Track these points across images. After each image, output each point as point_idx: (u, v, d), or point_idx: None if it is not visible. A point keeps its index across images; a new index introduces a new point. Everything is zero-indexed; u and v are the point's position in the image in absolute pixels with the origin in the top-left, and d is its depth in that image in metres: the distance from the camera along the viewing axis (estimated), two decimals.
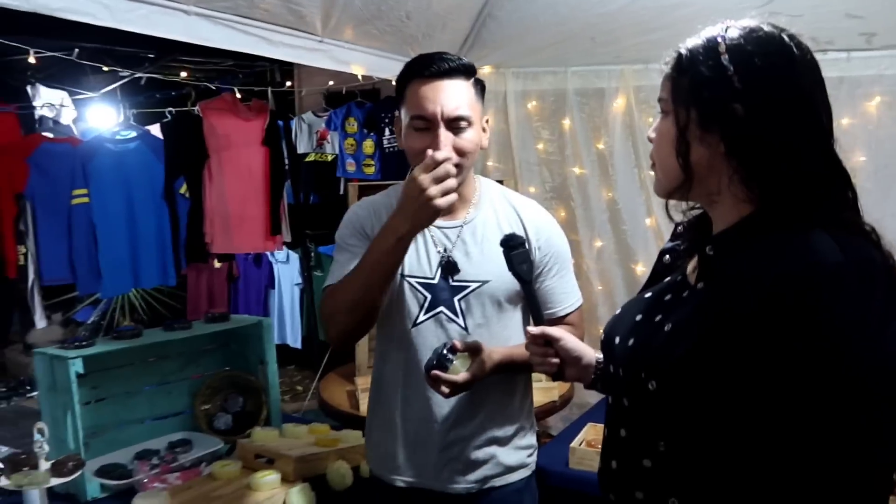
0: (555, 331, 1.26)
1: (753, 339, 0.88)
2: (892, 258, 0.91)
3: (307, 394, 4.25)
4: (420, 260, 1.50)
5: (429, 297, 1.48)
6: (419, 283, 1.49)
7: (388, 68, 2.87)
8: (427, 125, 1.42)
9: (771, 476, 0.91)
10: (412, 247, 1.50)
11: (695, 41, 0.99)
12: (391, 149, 4.48)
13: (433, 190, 1.28)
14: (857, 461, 0.86)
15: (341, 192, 4.79)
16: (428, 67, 1.41)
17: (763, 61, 0.93)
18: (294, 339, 5.10)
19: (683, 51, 0.99)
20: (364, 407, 2.31)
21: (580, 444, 1.99)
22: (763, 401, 0.89)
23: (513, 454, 1.56)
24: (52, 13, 1.79)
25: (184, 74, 3.75)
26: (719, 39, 0.96)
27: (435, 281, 1.49)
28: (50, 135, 3.12)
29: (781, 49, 0.93)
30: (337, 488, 1.78)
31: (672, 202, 1.09)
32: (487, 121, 1.49)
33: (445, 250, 1.50)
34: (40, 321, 2.84)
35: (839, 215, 0.92)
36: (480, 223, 1.51)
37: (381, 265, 1.37)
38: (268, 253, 4.76)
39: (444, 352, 1.36)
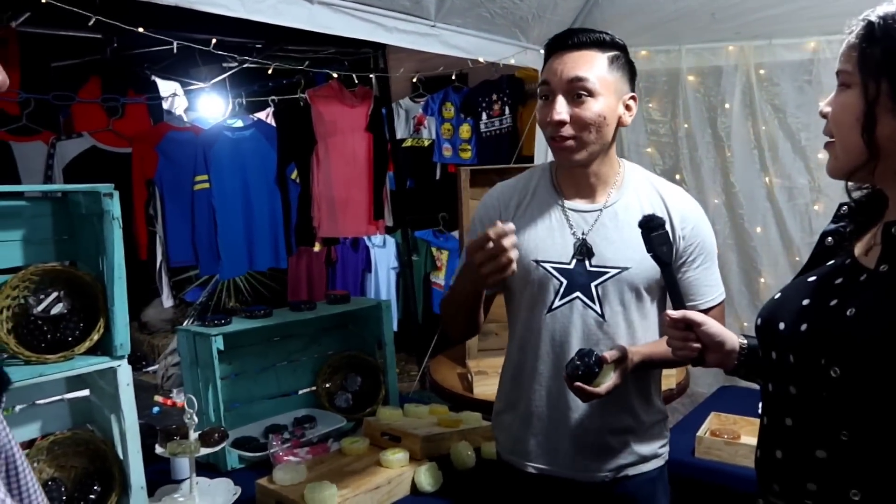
0: (696, 315, 1.22)
1: None
2: None
3: (413, 375, 4.32)
4: (555, 244, 1.48)
5: (565, 282, 1.46)
6: (554, 268, 1.47)
7: (497, 52, 2.86)
8: (549, 92, 1.41)
9: None
10: (545, 230, 1.49)
11: (887, 8, 0.93)
12: (488, 133, 4.48)
13: (485, 269, 1.28)
14: None
15: (437, 177, 4.84)
16: (562, 40, 1.41)
17: None
18: None
19: (875, 18, 0.93)
20: (478, 389, 2.34)
21: (706, 434, 1.94)
22: None
23: (647, 444, 1.53)
24: (192, 6, 1.86)
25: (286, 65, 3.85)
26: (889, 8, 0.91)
27: (570, 266, 1.47)
28: (176, 124, 3.28)
29: None
30: (460, 469, 1.81)
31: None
32: (634, 98, 1.45)
33: (582, 234, 1.48)
34: (167, 300, 3.00)
35: None
36: (622, 207, 1.48)
37: (464, 304, 1.47)
38: (365, 237, 4.86)
39: (592, 362, 1.34)
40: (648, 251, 1.30)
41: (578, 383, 1.32)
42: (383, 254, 5.18)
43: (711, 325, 1.21)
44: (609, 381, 1.34)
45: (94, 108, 2.81)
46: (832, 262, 1.09)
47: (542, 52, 2.67)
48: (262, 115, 3.82)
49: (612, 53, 1.41)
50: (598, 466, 1.49)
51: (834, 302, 1.00)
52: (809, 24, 2.48)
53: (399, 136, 4.76)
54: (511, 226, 1.27)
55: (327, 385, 2.24)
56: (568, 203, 1.50)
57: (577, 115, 1.38)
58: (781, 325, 1.06)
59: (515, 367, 1.56)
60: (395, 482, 1.67)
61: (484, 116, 4.47)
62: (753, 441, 1.88)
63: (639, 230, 1.35)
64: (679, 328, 1.22)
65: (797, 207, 2.67)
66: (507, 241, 1.26)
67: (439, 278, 4.88)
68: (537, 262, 1.48)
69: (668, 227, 1.44)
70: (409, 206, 4.33)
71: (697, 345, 1.21)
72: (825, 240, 1.14)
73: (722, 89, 2.78)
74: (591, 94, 1.38)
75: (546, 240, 1.48)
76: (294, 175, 3.34)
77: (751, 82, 2.70)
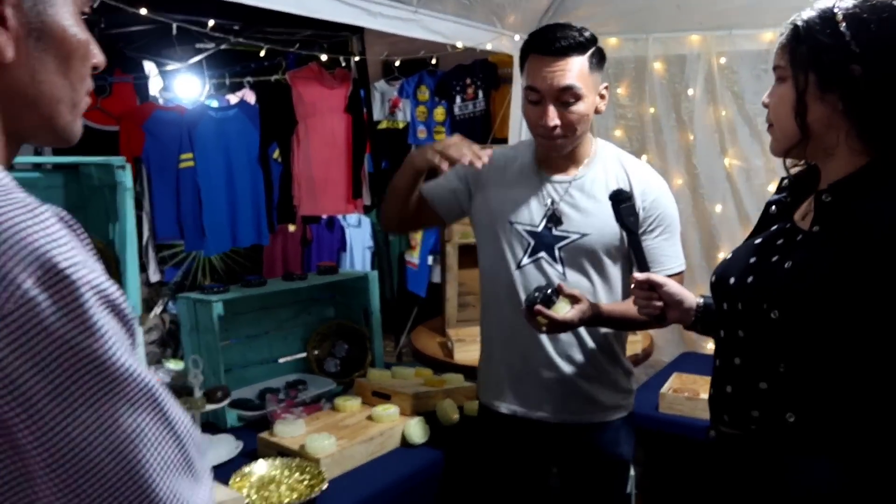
0: (658, 277, 1.39)
1: (876, 273, 1.00)
2: None
3: (391, 351, 4.45)
4: (530, 209, 1.65)
5: (532, 242, 1.64)
6: (524, 230, 1.64)
7: (474, 37, 2.99)
8: (538, 98, 1.56)
9: (884, 391, 1.04)
10: (522, 196, 1.66)
11: (809, 13, 1.10)
12: (462, 116, 4.61)
13: (431, 154, 1.53)
14: None
15: None
16: (546, 44, 1.54)
17: (878, 27, 1.04)
18: None
19: (800, 22, 1.11)
20: (458, 355, 2.50)
21: (669, 391, 2.13)
22: (882, 326, 1.01)
23: (612, 395, 1.70)
24: None
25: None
26: (836, 10, 1.07)
27: (539, 229, 1.63)
28: (161, 102, 3.34)
29: (879, 5, 1.04)
30: (445, 423, 1.96)
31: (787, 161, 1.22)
32: (607, 87, 1.61)
33: (552, 202, 1.64)
34: (154, 275, 3.08)
35: None
36: (589, 181, 1.64)
37: (404, 178, 1.67)
38: (339, 217, 4.95)
39: (549, 292, 1.49)
40: (617, 220, 1.47)
41: (539, 307, 1.47)
42: (358, 233, 5.29)
43: (672, 285, 1.38)
44: (566, 311, 1.49)
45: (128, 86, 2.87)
46: (775, 226, 1.26)
47: (517, 38, 2.80)
48: (238, 95, 3.89)
49: (590, 53, 1.55)
50: (565, 411, 1.66)
51: (775, 258, 1.17)
52: (766, 16, 2.65)
53: (375, 118, 4.87)
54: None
55: (316, 352, 2.37)
56: (545, 175, 1.66)
57: (567, 118, 1.54)
58: (731, 280, 1.24)
59: (489, 319, 1.72)
60: (387, 434, 1.81)
61: (458, 99, 4.60)
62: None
63: (605, 202, 1.52)
64: (643, 288, 1.38)
65: (753, 187, 2.86)
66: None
67: (413, 257, 5.02)
68: (511, 222, 1.64)
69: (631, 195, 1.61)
70: (384, 187, 4.44)
71: (660, 303, 1.37)
72: (769, 208, 1.31)
73: (686, 76, 2.95)
74: (578, 98, 1.53)
75: (521, 204, 1.65)
76: (276, 154, 3.43)
77: (712, 70, 2.87)
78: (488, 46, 3.11)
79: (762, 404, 1.15)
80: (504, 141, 3.66)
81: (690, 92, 2.95)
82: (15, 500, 0.50)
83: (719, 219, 2.94)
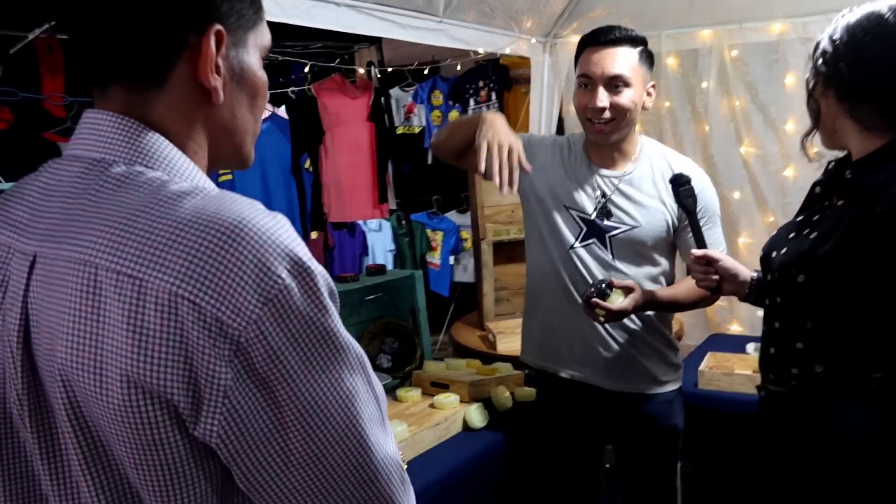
0: (715, 253, 1.54)
1: (882, 236, 1.16)
2: None
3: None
4: (583, 198, 1.78)
5: (584, 228, 1.77)
6: (579, 216, 1.78)
7: (494, 43, 3.12)
8: (589, 83, 1.69)
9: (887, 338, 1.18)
10: (577, 184, 1.79)
11: (824, 34, 1.28)
12: None
13: (489, 148, 1.54)
14: None
15: (429, 161, 5.08)
16: (598, 36, 1.69)
17: (863, 33, 1.21)
18: None
19: (819, 40, 1.29)
20: (501, 346, 2.63)
21: (707, 368, 2.26)
22: (886, 285, 1.16)
23: (663, 370, 1.84)
24: None
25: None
26: (835, 25, 1.26)
27: (591, 217, 1.77)
28: None
29: (876, 24, 1.20)
30: (500, 409, 2.09)
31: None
32: (654, 86, 1.74)
33: (604, 195, 1.77)
34: None
35: None
36: (637, 176, 1.77)
37: (465, 133, 1.71)
38: (360, 222, 5.09)
39: (603, 286, 1.64)
40: (677, 202, 1.61)
41: (595, 299, 1.61)
42: (379, 237, 5.41)
43: (727, 260, 1.52)
44: (619, 301, 1.63)
45: None
46: (817, 206, 1.40)
47: (533, 41, 2.94)
48: (269, 109, 4.02)
49: (640, 48, 1.70)
50: (622, 381, 1.79)
51: (806, 231, 1.33)
52: (775, 9, 2.79)
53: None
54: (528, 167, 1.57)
55: (368, 349, 2.50)
56: (595, 168, 1.80)
57: (616, 102, 1.67)
58: (774, 254, 1.39)
59: (543, 290, 1.85)
60: (451, 420, 1.95)
61: (472, 102, 4.73)
62: (747, 372, 2.21)
63: (653, 196, 1.66)
64: (701, 264, 1.53)
65: (770, 173, 2.99)
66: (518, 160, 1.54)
67: (434, 258, 5.15)
68: (566, 207, 1.78)
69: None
70: (407, 191, 4.58)
71: (716, 277, 1.52)
72: (814, 189, 1.45)
73: (699, 70, 3.08)
74: (627, 84, 1.67)
75: (576, 193, 1.78)
76: (307, 164, 3.57)
77: (725, 63, 3.00)
78: (507, 51, 3.25)
79: (799, 362, 1.30)
80: None
81: (704, 85, 3.08)
82: (272, 449, 0.63)
83: (738, 205, 3.07)
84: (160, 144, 0.69)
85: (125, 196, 0.64)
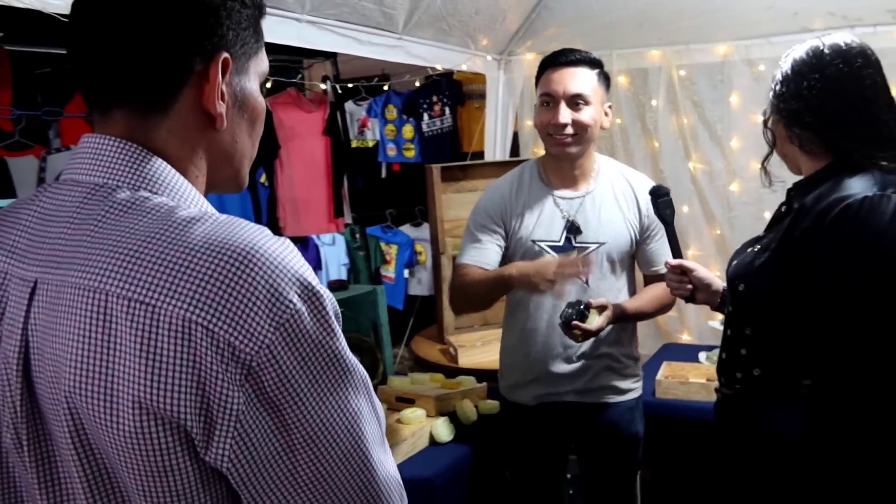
0: (689, 263, 1.61)
1: (804, 250, 1.25)
2: None
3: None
4: (549, 227, 1.82)
5: (557, 255, 1.81)
6: (548, 246, 1.82)
7: (451, 59, 3.17)
8: (551, 101, 1.75)
9: (821, 344, 1.27)
10: (540, 215, 1.83)
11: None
12: (430, 132, 4.77)
13: (546, 284, 1.62)
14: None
15: (383, 175, 5.09)
16: (559, 58, 1.75)
17: (804, 66, 1.32)
18: None
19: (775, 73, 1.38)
20: (463, 359, 2.65)
21: (664, 377, 2.33)
22: (812, 294, 1.25)
23: (625, 380, 1.90)
24: None
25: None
26: (785, 59, 1.36)
27: (560, 243, 1.82)
28: None
29: (814, 59, 1.31)
30: (466, 422, 2.11)
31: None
32: (611, 106, 1.80)
33: (569, 218, 1.83)
34: None
35: (890, 163, 1.26)
36: (599, 194, 1.83)
37: (498, 292, 1.80)
38: (313, 237, 5.06)
39: (582, 307, 1.69)
40: (655, 213, 1.68)
41: (576, 322, 1.66)
42: (333, 251, 5.37)
43: (701, 270, 1.59)
44: (597, 321, 1.69)
45: (81, 122, 2.92)
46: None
47: (489, 58, 3.01)
48: None
49: (598, 70, 1.76)
50: (588, 394, 1.85)
51: (756, 245, 1.42)
52: (720, 31, 2.91)
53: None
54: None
55: None
56: (556, 192, 1.84)
57: (577, 119, 1.72)
58: (728, 266, 1.47)
59: (518, 325, 1.89)
60: (418, 435, 1.96)
61: (425, 117, 4.76)
62: (701, 381, 2.29)
63: (615, 213, 1.72)
64: (676, 273, 1.59)
65: (717, 188, 3.11)
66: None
67: (389, 271, 5.14)
68: (534, 241, 1.81)
69: (635, 207, 1.81)
70: (359, 204, 4.58)
71: (690, 286, 1.58)
72: (781, 207, 1.53)
73: (648, 88, 3.19)
74: (587, 102, 1.72)
75: (541, 223, 1.82)
76: (263, 179, 3.53)
77: (673, 82, 3.12)
78: (463, 67, 3.30)
79: (742, 366, 1.39)
80: (478, 155, 3.83)
81: (654, 102, 3.19)
82: (280, 471, 0.64)
83: (687, 219, 3.18)
84: (164, 170, 0.69)
85: (133, 222, 0.64)
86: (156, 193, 0.68)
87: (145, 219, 0.64)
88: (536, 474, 1.97)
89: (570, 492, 2.27)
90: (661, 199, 1.67)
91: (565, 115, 1.73)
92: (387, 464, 0.72)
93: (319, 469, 0.65)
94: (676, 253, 1.65)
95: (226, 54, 0.70)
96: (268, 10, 0.80)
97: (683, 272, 1.60)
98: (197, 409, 0.59)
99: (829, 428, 1.26)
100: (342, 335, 0.68)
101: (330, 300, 0.67)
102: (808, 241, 1.24)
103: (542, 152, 1.89)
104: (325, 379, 0.65)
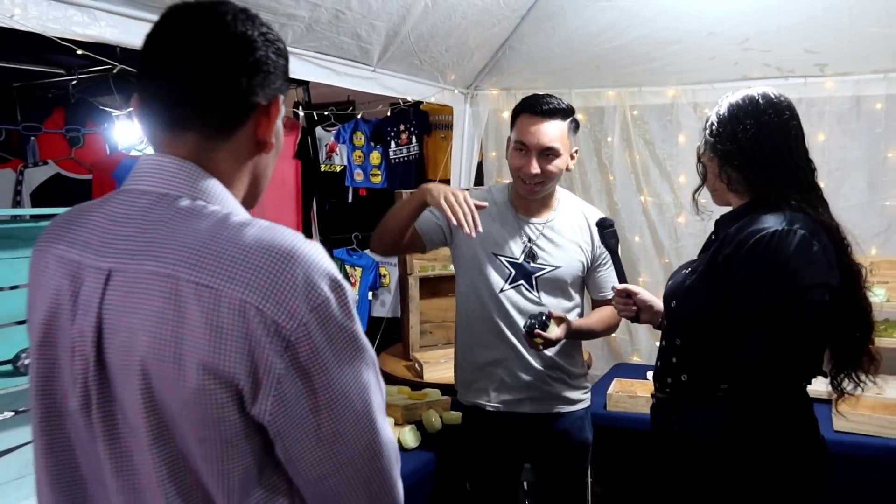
0: (634, 287, 1.79)
1: (723, 274, 1.44)
2: (832, 228, 1.45)
3: None
4: (511, 244, 2.00)
5: (513, 272, 1.99)
6: (507, 261, 1.99)
7: (421, 92, 3.36)
8: (524, 149, 1.93)
9: (730, 356, 1.45)
10: (505, 232, 2.01)
11: (713, 109, 1.58)
12: (397, 159, 4.95)
13: (448, 203, 1.74)
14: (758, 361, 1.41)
15: (349, 199, 5.23)
16: (535, 106, 1.92)
17: (739, 111, 1.51)
18: None
19: (709, 114, 1.58)
20: (428, 375, 2.80)
21: (614, 392, 2.51)
22: (731, 308, 1.43)
23: (575, 391, 2.07)
24: None
25: None
26: (722, 103, 1.55)
27: (520, 260, 1.99)
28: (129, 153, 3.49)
29: (749, 106, 1.50)
30: (431, 431, 2.25)
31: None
32: (577, 151, 2.00)
33: (530, 240, 2.01)
34: None
35: (799, 203, 1.45)
36: (558, 224, 2.03)
37: (405, 215, 1.91)
38: None
39: (544, 318, 1.86)
40: (602, 243, 1.86)
41: (538, 330, 1.83)
42: None
43: (644, 294, 1.77)
44: (556, 331, 1.86)
45: (58, 137, 3.00)
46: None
47: (457, 91, 3.21)
48: None
49: (570, 119, 1.95)
50: (541, 404, 2.01)
51: (688, 269, 1.61)
52: (670, 76, 3.17)
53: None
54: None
55: None
56: (521, 216, 2.03)
57: (546, 169, 1.91)
58: (665, 287, 1.66)
59: (473, 332, 2.04)
60: None
61: (392, 144, 4.94)
62: (647, 395, 2.48)
63: (572, 241, 1.91)
64: (622, 296, 1.77)
65: (665, 220, 3.35)
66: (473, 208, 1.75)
67: (353, 293, 5.26)
68: (494, 254, 1.99)
69: (589, 237, 2.00)
70: (326, 227, 4.71)
71: (635, 307, 1.77)
72: (711, 236, 1.73)
73: (605, 126, 3.43)
74: (556, 154, 1.91)
75: (504, 239, 2.00)
76: None
77: (627, 121, 3.36)
78: (432, 99, 3.50)
79: (672, 372, 1.58)
80: (444, 182, 4.01)
81: (609, 139, 3.43)
82: (307, 428, 0.79)
83: (638, 247, 3.42)
84: (215, 185, 0.85)
85: (196, 224, 0.79)
86: (210, 203, 0.83)
87: (205, 222, 0.79)
88: (494, 482, 2.12)
89: (526, 498, 2.41)
90: (607, 230, 1.87)
91: (536, 166, 1.91)
92: (386, 428, 0.88)
93: (337, 427, 0.80)
94: (622, 278, 1.84)
95: (281, 96, 0.87)
96: None
97: (629, 295, 1.79)
98: (247, 371, 0.74)
99: (734, 424, 1.44)
100: (359, 320, 0.83)
101: (350, 293, 0.82)
102: (728, 265, 1.43)
103: (505, 181, 2.08)
104: (346, 354, 0.80)
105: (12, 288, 1.89)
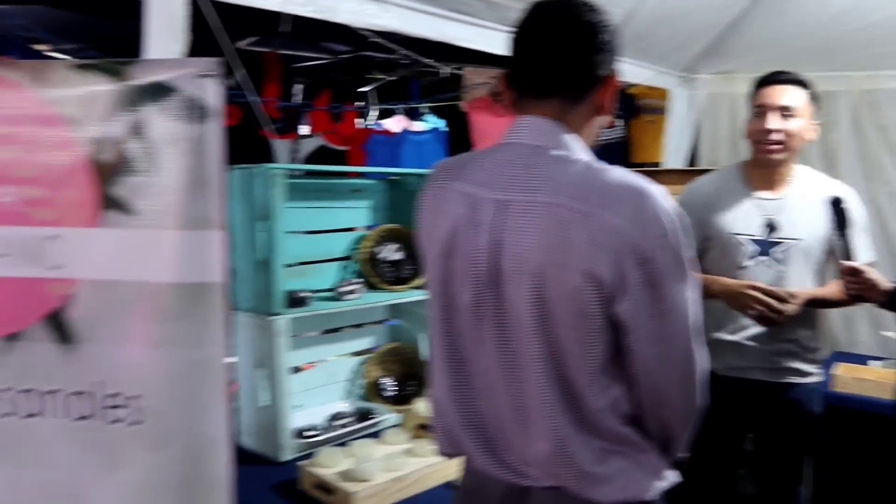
0: (860, 265, 1.83)
1: None
2: None
3: None
4: (747, 222, 2.09)
5: (754, 248, 2.08)
6: (746, 239, 2.08)
7: (640, 75, 3.49)
8: (762, 111, 2.03)
9: None
10: (742, 211, 2.10)
11: None
12: (605, 141, 5.09)
13: (752, 311, 1.91)
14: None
15: None
16: (773, 77, 2.04)
17: None
18: None
19: None
20: None
21: (840, 373, 2.53)
22: None
23: (808, 365, 2.13)
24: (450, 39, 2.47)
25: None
26: None
27: (759, 236, 2.08)
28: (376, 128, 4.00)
29: None
30: None
31: None
32: (820, 124, 2.06)
33: (768, 215, 2.09)
34: None
35: None
36: (798, 196, 2.09)
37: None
38: None
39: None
40: (833, 220, 1.91)
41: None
42: None
43: (870, 272, 1.82)
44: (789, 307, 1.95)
45: (324, 114, 3.51)
46: None
47: (675, 76, 3.25)
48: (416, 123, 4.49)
49: (808, 91, 2.03)
50: (773, 372, 2.09)
51: None
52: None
53: None
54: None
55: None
56: (755, 193, 2.12)
57: (783, 126, 2.00)
58: None
59: (708, 314, 2.13)
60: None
61: None
62: (874, 378, 2.47)
63: (811, 213, 1.98)
64: (849, 273, 1.83)
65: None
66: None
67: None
68: (733, 233, 2.09)
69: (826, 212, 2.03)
70: None
71: (859, 286, 1.82)
72: None
73: (832, 111, 3.31)
74: (794, 115, 2.00)
75: (740, 219, 2.10)
76: None
77: (858, 106, 3.29)
78: (651, 83, 3.61)
79: None
80: (644, 164, 4.11)
81: (837, 125, 3.35)
82: (649, 327, 1.02)
83: None
84: (574, 140, 1.10)
85: (568, 168, 1.05)
86: (571, 153, 1.08)
87: (575, 166, 1.06)
88: (715, 448, 2.17)
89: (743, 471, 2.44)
90: (837, 208, 1.90)
91: (774, 122, 2.00)
92: (700, 351, 1.09)
93: (668, 329, 1.04)
94: (850, 256, 1.87)
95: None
96: (499, 27, 1.17)
97: (854, 273, 1.84)
98: (615, 277, 1.00)
99: None
100: (688, 246, 1.05)
101: (684, 224, 1.04)
102: None
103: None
104: (678, 274, 1.03)
105: (314, 232, 2.25)
